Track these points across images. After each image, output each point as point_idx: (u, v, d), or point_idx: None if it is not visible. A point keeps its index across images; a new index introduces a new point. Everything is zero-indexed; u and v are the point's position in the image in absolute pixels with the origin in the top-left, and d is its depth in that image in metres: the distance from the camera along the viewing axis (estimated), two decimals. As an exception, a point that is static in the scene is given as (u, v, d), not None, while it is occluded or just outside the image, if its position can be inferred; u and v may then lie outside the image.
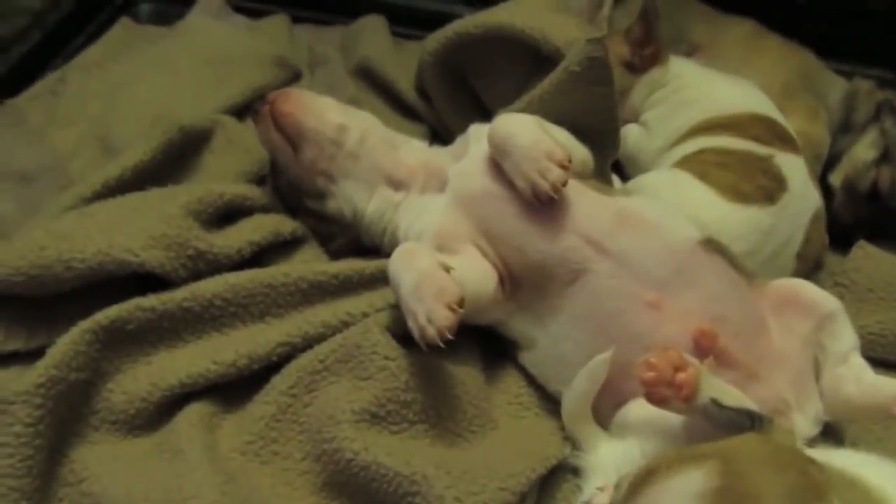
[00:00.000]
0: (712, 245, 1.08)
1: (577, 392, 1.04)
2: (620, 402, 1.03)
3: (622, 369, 1.01)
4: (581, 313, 1.05)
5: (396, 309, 1.07)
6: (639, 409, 1.00)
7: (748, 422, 0.78)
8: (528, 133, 1.06)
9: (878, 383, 1.03)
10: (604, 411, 1.05)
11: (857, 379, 1.04)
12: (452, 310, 0.93)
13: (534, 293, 1.09)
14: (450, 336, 0.92)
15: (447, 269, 0.97)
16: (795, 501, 0.67)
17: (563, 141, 1.11)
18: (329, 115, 1.21)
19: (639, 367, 0.87)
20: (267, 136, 1.23)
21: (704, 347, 1.00)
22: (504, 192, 1.09)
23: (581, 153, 1.16)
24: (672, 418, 0.92)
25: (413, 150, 1.24)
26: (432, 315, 0.92)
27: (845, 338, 1.06)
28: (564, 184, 1.04)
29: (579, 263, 1.05)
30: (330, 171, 1.21)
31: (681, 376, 0.86)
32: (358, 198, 1.21)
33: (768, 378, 1.04)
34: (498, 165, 1.10)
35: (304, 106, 1.21)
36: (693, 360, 0.89)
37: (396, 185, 1.21)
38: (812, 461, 0.74)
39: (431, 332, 0.92)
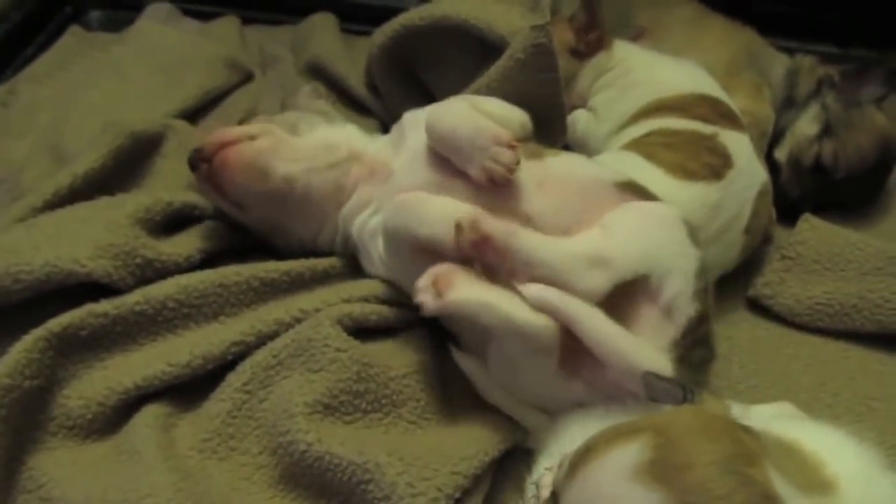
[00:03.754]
0: (629, 186, 1.10)
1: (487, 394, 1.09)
2: None
3: None
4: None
5: (348, 303, 1.09)
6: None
7: (681, 393, 0.80)
8: (467, 123, 1.07)
9: None
10: None
11: None
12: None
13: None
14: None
15: None
16: (728, 469, 0.69)
17: (498, 113, 1.13)
18: (274, 171, 1.16)
19: None
20: (210, 195, 1.21)
21: None
22: (446, 182, 1.10)
23: (517, 117, 1.17)
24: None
25: (356, 155, 1.22)
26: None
27: None
28: (518, 163, 1.05)
29: None
30: (279, 220, 1.20)
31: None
32: (308, 234, 1.21)
33: None
34: (436, 155, 1.11)
35: (244, 169, 1.15)
36: None
37: (344, 200, 1.20)
38: (746, 429, 0.75)
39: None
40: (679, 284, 1.01)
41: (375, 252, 1.15)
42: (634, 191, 1.10)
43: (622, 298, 1.01)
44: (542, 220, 1.06)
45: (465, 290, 0.97)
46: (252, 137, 1.17)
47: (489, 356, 1.05)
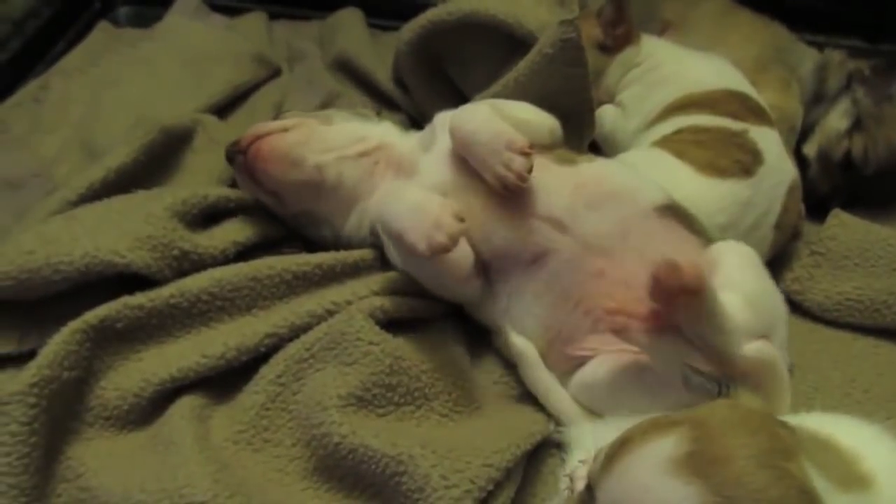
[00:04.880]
0: (670, 210, 1.10)
1: (532, 379, 1.09)
2: (577, 368, 1.07)
3: (572, 336, 1.06)
4: (541, 290, 1.09)
5: (379, 296, 1.10)
6: (596, 369, 1.05)
7: (716, 388, 0.80)
8: (486, 127, 1.08)
9: None
10: (564, 379, 1.09)
11: None
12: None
13: (500, 276, 1.11)
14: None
15: None
16: (765, 463, 0.69)
17: (524, 117, 1.13)
18: (305, 160, 1.18)
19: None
20: (247, 187, 1.24)
21: None
22: (469, 184, 1.11)
23: (546, 123, 1.17)
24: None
25: (386, 147, 1.23)
26: (440, 221, 0.99)
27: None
28: (530, 171, 1.05)
29: (540, 245, 1.08)
30: (314, 211, 1.22)
31: (641, 308, 0.92)
32: (339, 223, 1.23)
33: None
34: (461, 158, 1.12)
35: (278, 159, 1.18)
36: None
37: (372, 191, 1.21)
38: (782, 424, 0.75)
39: (442, 237, 0.98)
40: (784, 332, 1.05)
41: (390, 243, 1.15)
42: (674, 214, 1.10)
43: None
44: (577, 226, 1.07)
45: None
46: (286, 130, 1.20)
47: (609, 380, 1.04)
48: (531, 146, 1.06)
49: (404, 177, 1.19)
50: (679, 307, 0.90)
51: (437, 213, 0.99)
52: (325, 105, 1.53)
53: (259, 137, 1.19)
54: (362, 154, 1.22)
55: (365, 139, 1.23)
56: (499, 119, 1.09)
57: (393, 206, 1.05)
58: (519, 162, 1.05)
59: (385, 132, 1.26)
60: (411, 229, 1.01)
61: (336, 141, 1.22)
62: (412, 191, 1.06)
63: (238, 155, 1.20)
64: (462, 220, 1.00)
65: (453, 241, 0.98)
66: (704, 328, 0.91)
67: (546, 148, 1.15)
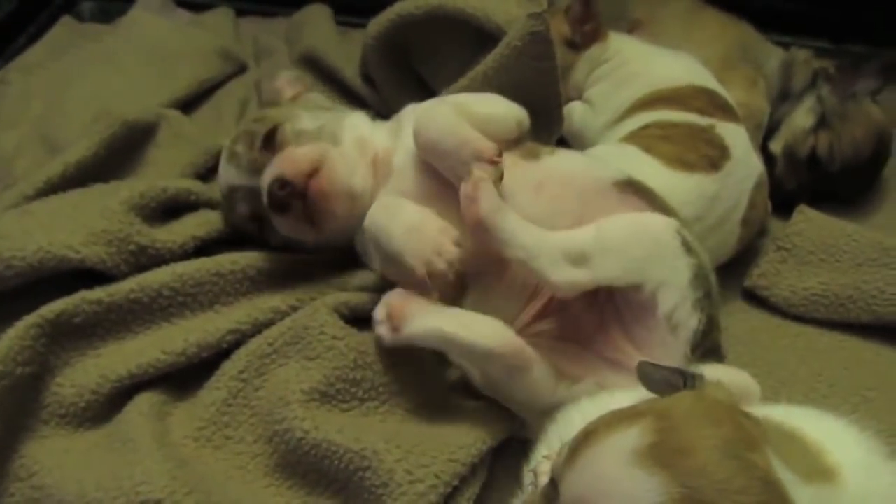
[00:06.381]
0: (630, 185, 1.08)
1: None
2: None
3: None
4: (508, 286, 1.07)
5: (344, 292, 1.09)
6: None
7: (681, 380, 0.79)
8: (451, 134, 1.04)
9: None
10: None
11: None
12: (458, 244, 0.99)
13: (471, 275, 1.09)
14: (458, 268, 0.98)
15: None
16: (729, 454, 0.68)
17: (490, 112, 1.11)
18: (353, 189, 1.11)
19: None
20: (292, 228, 1.11)
21: None
22: (437, 188, 1.08)
23: (514, 115, 1.14)
24: None
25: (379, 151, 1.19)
26: (441, 248, 0.97)
27: None
28: (500, 178, 1.03)
29: None
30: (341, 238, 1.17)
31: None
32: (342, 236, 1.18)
33: None
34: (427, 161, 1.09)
35: (339, 195, 1.10)
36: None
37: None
38: (747, 415, 0.75)
39: (442, 264, 0.96)
40: (674, 296, 0.99)
41: (371, 246, 1.13)
42: (634, 189, 1.09)
43: (629, 317, 1.02)
44: (541, 223, 1.05)
45: (421, 322, 0.98)
46: (318, 160, 1.10)
47: (478, 381, 1.04)
48: (499, 152, 1.03)
49: (382, 176, 1.15)
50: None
51: (438, 239, 0.98)
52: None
53: (310, 176, 1.08)
54: (368, 164, 1.17)
55: (365, 146, 1.17)
56: (463, 123, 1.05)
57: (389, 225, 1.02)
58: (489, 173, 1.02)
59: (369, 130, 1.21)
60: (410, 252, 0.99)
61: (356, 162, 1.14)
62: (408, 208, 1.03)
63: (295, 200, 1.07)
64: (461, 244, 0.99)
65: (452, 268, 0.97)
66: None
67: (514, 142, 1.13)
